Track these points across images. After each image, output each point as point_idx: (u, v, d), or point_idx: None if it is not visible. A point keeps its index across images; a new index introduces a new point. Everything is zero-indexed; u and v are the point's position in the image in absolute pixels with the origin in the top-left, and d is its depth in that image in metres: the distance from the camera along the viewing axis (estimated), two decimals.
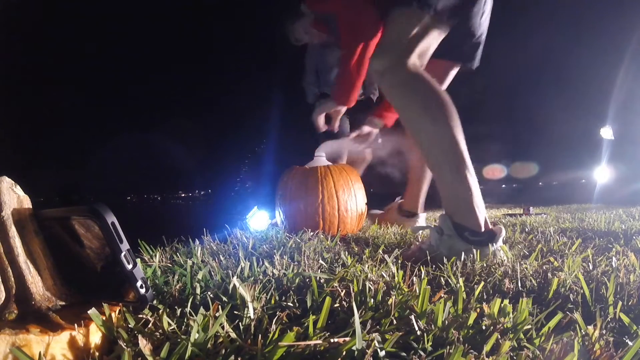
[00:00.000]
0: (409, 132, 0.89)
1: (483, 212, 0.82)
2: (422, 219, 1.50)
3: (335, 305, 0.46)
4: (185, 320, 0.41)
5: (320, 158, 1.49)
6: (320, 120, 1.44)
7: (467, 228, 0.81)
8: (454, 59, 1.17)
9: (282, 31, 1.52)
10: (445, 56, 1.11)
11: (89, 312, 0.37)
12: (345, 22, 1.26)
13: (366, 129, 1.53)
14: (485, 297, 0.53)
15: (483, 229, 0.81)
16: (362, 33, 1.19)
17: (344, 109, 1.42)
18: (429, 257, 0.79)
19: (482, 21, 1.02)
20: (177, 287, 0.53)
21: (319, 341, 0.34)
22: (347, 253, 0.82)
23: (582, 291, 0.52)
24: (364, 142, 1.55)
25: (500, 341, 0.35)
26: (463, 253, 0.76)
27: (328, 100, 1.39)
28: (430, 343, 0.36)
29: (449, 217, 0.83)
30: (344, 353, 0.33)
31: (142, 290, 0.39)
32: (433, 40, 0.92)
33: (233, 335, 0.36)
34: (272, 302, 0.48)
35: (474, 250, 0.78)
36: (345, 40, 1.26)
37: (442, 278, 0.61)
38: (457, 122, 0.83)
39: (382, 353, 0.33)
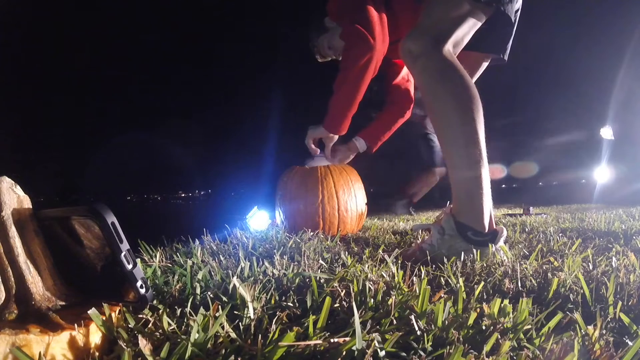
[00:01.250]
0: (432, 119, 0.86)
1: (489, 213, 0.82)
2: None
3: (335, 305, 0.46)
4: (185, 320, 0.41)
5: (321, 158, 1.49)
6: (311, 144, 1.44)
7: (470, 228, 0.81)
8: (487, 51, 1.13)
9: (307, 46, 1.49)
10: (478, 48, 1.09)
11: (89, 312, 0.37)
12: (348, 39, 1.21)
13: (343, 151, 1.53)
14: (485, 297, 0.53)
15: (487, 229, 0.81)
16: (365, 56, 1.16)
17: (335, 137, 1.41)
18: (428, 257, 0.79)
19: (515, 11, 1.00)
20: (177, 287, 0.53)
21: (319, 341, 0.34)
22: (347, 253, 0.82)
23: (582, 291, 0.52)
24: (343, 159, 1.55)
25: (500, 341, 0.35)
26: (463, 253, 0.76)
27: (319, 127, 1.37)
28: (430, 343, 0.36)
29: (453, 216, 0.83)
30: (344, 353, 0.33)
31: (142, 290, 0.39)
32: (469, 29, 0.91)
33: (233, 335, 0.36)
34: (272, 302, 0.48)
35: (474, 250, 0.78)
36: (345, 61, 1.23)
37: (442, 278, 0.61)
38: (482, 119, 0.82)
39: (382, 353, 0.33)
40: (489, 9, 0.90)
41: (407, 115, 1.59)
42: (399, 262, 0.75)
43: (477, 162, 0.80)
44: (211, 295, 0.49)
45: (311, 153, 1.47)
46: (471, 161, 0.80)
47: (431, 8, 0.90)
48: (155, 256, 0.74)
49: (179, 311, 0.44)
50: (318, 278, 0.55)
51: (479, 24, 0.92)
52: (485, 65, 1.22)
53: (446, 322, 0.40)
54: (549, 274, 0.62)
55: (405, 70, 1.56)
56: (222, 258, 0.77)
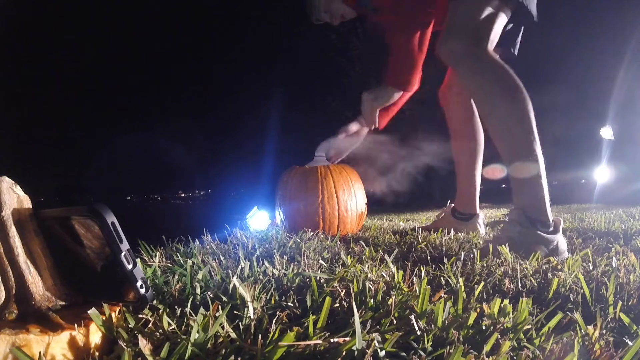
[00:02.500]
0: (487, 117, 0.88)
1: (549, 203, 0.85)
2: (481, 219, 1.40)
3: (335, 305, 0.46)
4: (185, 320, 0.41)
5: (320, 158, 1.49)
6: (374, 114, 1.33)
7: (539, 220, 0.83)
8: (501, 45, 1.12)
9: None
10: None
11: (89, 312, 0.37)
12: None
13: (354, 127, 1.45)
14: (485, 297, 0.53)
15: (551, 220, 0.83)
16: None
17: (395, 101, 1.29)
18: (508, 250, 0.78)
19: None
20: (177, 287, 0.53)
21: (319, 341, 0.34)
22: (347, 253, 0.82)
23: (582, 291, 0.52)
24: (354, 141, 1.48)
25: (500, 341, 0.35)
26: (543, 247, 0.79)
27: (381, 87, 1.27)
28: (430, 343, 0.36)
29: (522, 210, 0.84)
30: (344, 353, 0.33)
31: (142, 290, 0.39)
32: (501, 25, 0.92)
33: (233, 335, 0.36)
34: (272, 302, 0.48)
35: (553, 242, 0.80)
36: (402, 6, 1.15)
37: (442, 278, 0.61)
38: (533, 115, 0.84)
39: (382, 353, 0.33)
40: (512, 4, 0.91)
41: (412, 88, 1.47)
42: (399, 262, 0.75)
43: (538, 156, 0.83)
44: (211, 295, 0.49)
45: (374, 125, 1.37)
46: (533, 156, 0.83)
47: (464, 6, 0.91)
48: (155, 256, 0.74)
49: (179, 311, 0.44)
50: (318, 278, 0.55)
51: (506, 20, 0.93)
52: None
53: (446, 322, 0.39)
54: (549, 274, 0.62)
55: (413, 43, 1.48)
56: (222, 258, 0.77)
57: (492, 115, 0.88)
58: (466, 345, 0.36)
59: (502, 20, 0.91)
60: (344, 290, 0.50)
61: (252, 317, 0.41)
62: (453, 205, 1.45)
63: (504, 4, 0.90)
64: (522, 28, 1.13)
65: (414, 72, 1.30)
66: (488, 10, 0.88)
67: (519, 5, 0.92)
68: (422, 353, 0.35)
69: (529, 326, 0.40)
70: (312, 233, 1.17)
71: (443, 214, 1.47)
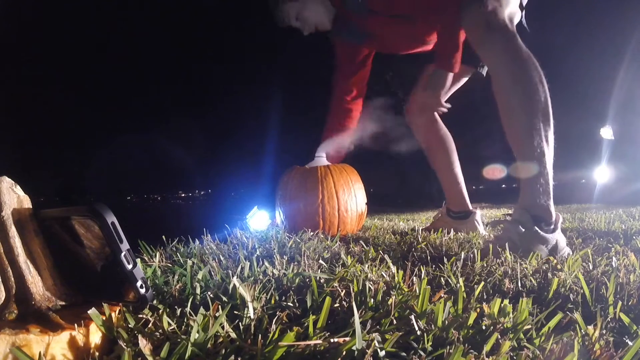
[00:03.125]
0: (505, 101, 0.89)
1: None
2: (478, 215, 1.42)
3: (335, 305, 0.46)
4: (185, 320, 0.41)
5: (321, 158, 1.49)
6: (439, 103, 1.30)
7: (543, 219, 0.83)
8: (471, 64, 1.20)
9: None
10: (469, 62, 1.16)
11: (89, 312, 0.37)
12: None
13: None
14: (485, 297, 0.53)
15: (554, 217, 0.84)
16: None
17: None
18: (508, 251, 0.78)
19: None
20: (177, 287, 0.53)
21: (319, 341, 0.34)
22: (347, 253, 0.82)
23: (582, 291, 0.52)
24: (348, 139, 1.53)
25: (500, 341, 0.35)
26: (543, 246, 0.79)
27: (431, 69, 1.23)
28: (430, 343, 0.36)
29: (527, 209, 0.84)
30: (344, 353, 0.33)
31: (142, 290, 0.39)
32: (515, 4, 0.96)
33: (233, 335, 0.36)
34: (272, 302, 0.48)
35: (553, 241, 0.80)
36: None
37: (442, 278, 0.61)
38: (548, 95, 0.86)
39: (382, 353, 0.33)
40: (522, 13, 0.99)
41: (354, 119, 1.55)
42: (399, 262, 0.75)
43: (545, 154, 0.84)
44: (211, 295, 0.49)
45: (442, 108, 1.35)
46: (541, 152, 0.84)
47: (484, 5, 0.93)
48: (155, 256, 0.74)
49: (179, 311, 0.44)
50: (318, 278, 0.55)
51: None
52: (464, 80, 1.24)
53: (446, 322, 0.39)
54: (549, 274, 0.62)
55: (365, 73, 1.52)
56: (222, 258, 0.77)
57: (512, 95, 0.88)
58: (466, 345, 0.36)
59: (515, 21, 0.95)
60: (344, 290, 0.50)
61: (252, 317, 0.41)
62: (447, 205, 1.47)
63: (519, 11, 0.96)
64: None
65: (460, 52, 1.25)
66: (510, 10, 0.93)
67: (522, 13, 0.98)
68: (422, 353, 0.35)
69: (529, 326, 0.40)
70: (312, 233, 1.17)
71: (440, 215, 1.49)
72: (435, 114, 1.41)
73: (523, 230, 0.83)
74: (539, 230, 0.82)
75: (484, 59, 1.01)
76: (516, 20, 0.98)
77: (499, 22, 0.91)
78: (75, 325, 0.35)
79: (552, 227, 0.83)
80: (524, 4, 0.98)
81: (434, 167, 1.46)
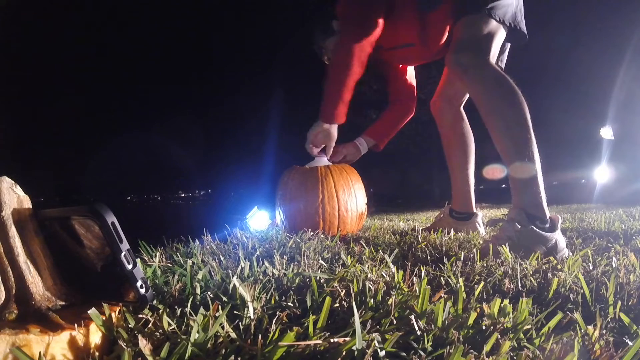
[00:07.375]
0: (491, 121, 0.96)
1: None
2: (480, 217, 1.43)
3: (335, 305, 0.46)
4: (185, 320, 0.41)
5: (321, 158, 1.49)
6: (312, 148, 1.42)
7: (538, 217, 0.87)
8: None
9: (312, 49, 1.49)
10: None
11: (89, 312, 0.37)
12: (347, 23, 1.22)
13: (349, 149, 1.54)
14: (485, 297, 0.53)
15: (548, 217, 0.87)
16: (349, 44, 1.17)
17: (334, 135, 1.38)
18: (508, 250, 0.79)
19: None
20: (177, 287, 0.53)
21: (319, 341, 0.34)
22: (347, 253, 0.82)
23: (582, 291, 0.52)
24: (349, 157, 1.56)
25: (500, 341, 0.35)
26: (542, 245, 0.81)
27: (316, 123, 1.35)
28: (430, 343, 0.36)
29: (522, 208, 0.88)
30: (344, 353, 0.33)
31: (142, 290, 0.39)
32: (499, 41, 1.07)
33: (233, 335, 0.36)
34: (272, 302, 0.48)
35: (552, 240, 0.83)
36: (333, 50, 1.24)
37: (442, 278, 0.61)
38: (530, 120, 0.93)
39: (382, 353, 0.33)
40: (506, 26, 1.06)
41: (411, 113, 1.60)
42: (399, 262, 0.75)
43: (535, 157, 0.90)
44: (211, 295, 0.49)
45: (312, 154, 1.46)
46: (531, 156, 0.89)
47: (469, 26, 1.05)
48: (155, 256, 0.74)
49: (179, 311, 0.44)
50: (318, 278, 0.55)
51: (503, 38, 1.08)
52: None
53: (446, 322, 0.39)
54: (549, 274, 0.62)
55: (410, 72, 1.58)
56: (222, 258, 0.77)
57: (494, 117, 0.95)
58: (466, 345, 0.36)
59: (500, 37, 1.05)
60: (344, 290, 0.50)
61: (252, 317, 0.41)
62: (450, 205, 1.47)
63: (500, 25, 1.04)
64: (509, 46, 1.29)
65: (345, 105, 1.34)
66: (487, 30, 1.03)
67: (512, 27, 1.08)
68: (422, 353, 0.35)
69: (529, 326, 0.40)
70: (312, 233, 1.17)
71: (442, 215, 1.49)
72: (462, 111, 1.44)
73: (519, 227, 0.85)
74: (535, 228, 0.84)
75: (468, 92, 1.12)
76: (499, 37, 1.05)
77: (479, 63, 1.00)
78: (75, 325, 0.35)
79: (548, 225, 0.86)
80: (506, 20, 1.05)
81: (449, 164, 1.47)
